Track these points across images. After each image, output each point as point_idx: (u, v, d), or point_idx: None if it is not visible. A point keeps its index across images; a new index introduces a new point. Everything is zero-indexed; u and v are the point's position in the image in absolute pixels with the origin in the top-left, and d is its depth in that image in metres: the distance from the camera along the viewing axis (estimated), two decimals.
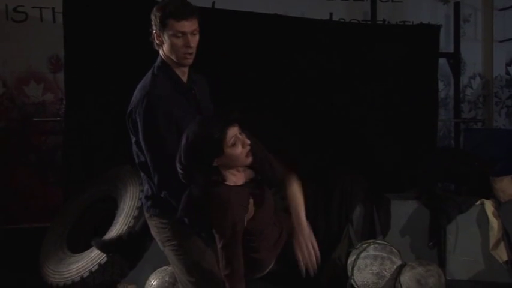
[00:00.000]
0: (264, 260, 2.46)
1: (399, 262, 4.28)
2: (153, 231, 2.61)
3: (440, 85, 6.61)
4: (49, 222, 4.50)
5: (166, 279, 3.76)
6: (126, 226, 3.89)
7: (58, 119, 5.43)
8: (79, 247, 4.13)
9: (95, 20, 4.68)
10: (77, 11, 4.69)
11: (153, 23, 2.48)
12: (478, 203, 4.63)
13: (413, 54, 5.81)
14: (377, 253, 4.27)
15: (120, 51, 4.66)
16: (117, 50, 4.67)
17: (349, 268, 4.33)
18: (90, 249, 3.98)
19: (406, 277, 4.18)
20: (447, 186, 5.82)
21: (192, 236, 2.48)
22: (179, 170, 2.28)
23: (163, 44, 2.49)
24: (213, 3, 5.38)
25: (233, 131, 2.27)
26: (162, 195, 2.44)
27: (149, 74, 2.55)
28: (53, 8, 5.55)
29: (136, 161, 2.57)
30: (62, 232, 4.32)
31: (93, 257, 3.91)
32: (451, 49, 6.62)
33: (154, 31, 2.49)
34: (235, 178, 2.35)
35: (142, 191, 2.84)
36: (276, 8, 5.80)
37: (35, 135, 5.58)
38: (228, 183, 2.31)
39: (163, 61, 2.53)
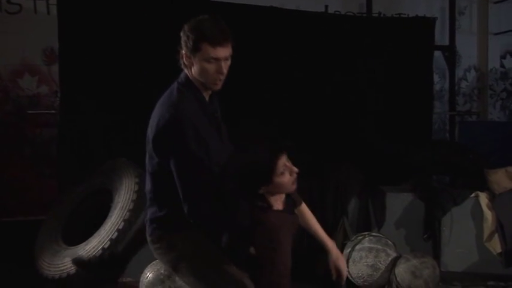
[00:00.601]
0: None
1: (394, 254, 4.29)
2: (157, 254, 2.43)
3: (435, 78, 6.63)
4: (44, 215, 4.50)
5: (162, 271, 3.75)
6: (122, 219, 3.89)
7: (53, 111, 5.39)
8: (74, 240, 4.13)
9: (89, 11, 4.66)
10: (71, 2, 4.67)
11: (183, 42, 2.30)
12: (473, 195, 4.64)
13: (409, 47, 5.81)
14: (372, 245, 4.28)
15: (115, 43, 4.65)
16: (111, 42, 4.65)
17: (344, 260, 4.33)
18: (85, 242, 3.98)
19: (400, 269, 4.19)
20: (442, 178, 5.84)
21: (203, 246, 2.35)
22: (222, 197, 2.21)
23: (193, 66, 2.32)
24: None
25: (283, 161, 2.23)
26: (192, 222, 2.29)
27: (173, 91, 2.36)
28: (47, 0, 5.53)
29: (151, 185, 2.40)
30: (57, 225, 4.32)
31: (88, 250, 3.91)
32: (446, 42, 6.63)
33: (183, 51, 2.32)
34: (277, 204, 2.31)
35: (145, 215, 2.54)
36: (271, 0, 5.79)
37: (29, 128, 5.55)
38: (274, 208, 2.28)
39: (188, 79, 2.36)
